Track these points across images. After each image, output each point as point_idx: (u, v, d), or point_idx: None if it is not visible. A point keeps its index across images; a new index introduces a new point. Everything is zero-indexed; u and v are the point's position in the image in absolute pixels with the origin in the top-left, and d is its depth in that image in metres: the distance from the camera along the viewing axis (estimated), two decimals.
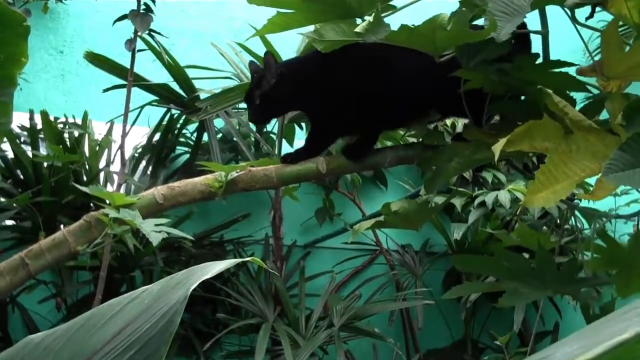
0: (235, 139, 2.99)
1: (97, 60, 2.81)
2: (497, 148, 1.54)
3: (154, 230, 1.71)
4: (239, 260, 0.94)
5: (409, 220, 2.01)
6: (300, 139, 3.11)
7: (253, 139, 3.21)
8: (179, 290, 0.82)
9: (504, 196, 2.90)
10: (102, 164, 2.97)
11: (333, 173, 2.05)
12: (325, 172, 1.94)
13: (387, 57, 1.92)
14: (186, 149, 3.23)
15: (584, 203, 2.58)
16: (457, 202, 3.12)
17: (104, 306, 0.91)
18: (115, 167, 2.90)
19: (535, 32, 1.77)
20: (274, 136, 3.21)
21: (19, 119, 2.97)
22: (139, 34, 2.57)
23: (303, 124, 3.08)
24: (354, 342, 3.01)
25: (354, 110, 1.93)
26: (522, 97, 1.85)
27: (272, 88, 1.95)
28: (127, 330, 0.83)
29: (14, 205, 2.70)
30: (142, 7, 2.56)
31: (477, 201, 3.02)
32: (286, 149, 2.97)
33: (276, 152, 3.01)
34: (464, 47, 1.69)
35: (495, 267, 1.97)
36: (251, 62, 2.05)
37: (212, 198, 1.93)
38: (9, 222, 2.85)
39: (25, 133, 2.92)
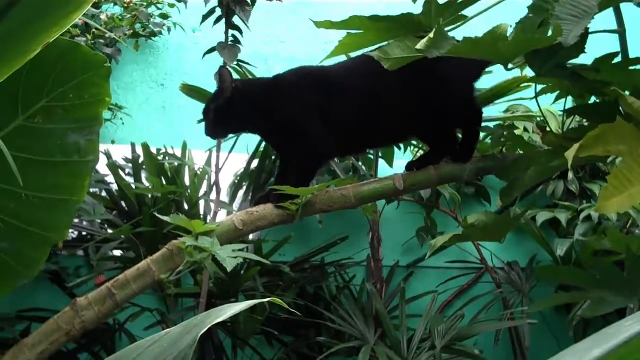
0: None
1: (192, 91, 2.87)
2: (570, 154, 1.47)
3: (230, 256, 1.71)
4: (252, 302, 0.92)
5: (488, 232, 1.94)
6: (399, 158, 3.07)
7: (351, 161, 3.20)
8: (190, 334, 0.81)
9: None
10: (202, 192, 3.03)
11: (410, 189, 2.01)
12: (402, 188, 1.91)
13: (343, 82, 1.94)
14: None
15: None
16: (562, 216, 2.99)
17: (129, 348, 0.91)
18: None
19: (612, 32, 1.68)
20: (372, 156, 3.18)
21: (123, 152, 3.09)
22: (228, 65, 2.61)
23: (401, 145, 3.03)
24: None
25: (310, 132, 1.92)
26: (598, 100, 1.76)
27: (225, 102, 1.93)
28: None
29: (122, 236, 2.80)
30: (230, 38, 2.60)
31: (582, 215, 2.89)
32: (383, 170, 2.95)
33: (373, 173, 2.99)
34: (533, 53, 1.63)
35: (581, 277, 1.87)
36: (221, 67, 2.03)
37: (290, 221, 1.93)
38: (117, 252, 2.95)
39: (130, 165, 3.03)
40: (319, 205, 1.92)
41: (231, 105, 1.94)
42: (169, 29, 3.29)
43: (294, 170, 1.95)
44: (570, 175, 3.16)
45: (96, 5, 3.18)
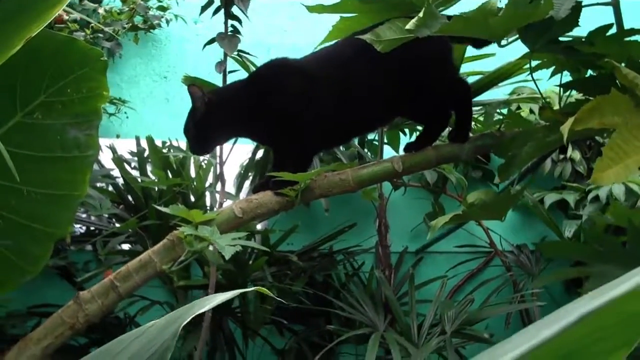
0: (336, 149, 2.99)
1: (194, 83, 2.87)
2: (565, 128, 1.46)
3: (230, 244, 1.71)
4: (239, 291, 0.93)
5: (488, 211, 1.93)
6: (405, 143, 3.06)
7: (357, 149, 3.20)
8: (174, 325, 0.81)
9: (618, 189, 2.74)
10: (208, 184, 3.03)
11: (410, 171, 2.00)
12: (401, 170, 1.91)
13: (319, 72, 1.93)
14: None
15: None
16: (571, 198, 2.98)
17: (116, 341, 0.91)
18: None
19: (605, 4, 1.67)
20: (377, 143, 3.17)
21: (129, 146, 3.10)
22: (229, 55, 2.60)
23: (407, 130, 3.03)
24: (474, 346, 2.91)
25: (298, 127, 1.91)
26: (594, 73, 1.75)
27: (203, 117, 1.92)
28: None
29: (130, 230, 2.81)
30: (230, 29, 2.60)
31: (590, 196, 2.87)
32: (389, 155, 2.94)
33: (379, 159, 2.98)
34: (526, 29, 1.62)
35: (584, 252, 1.86)
36: (189, 85, 2.00)
37: (290, 207, 1.92)
38: (125, 246, 2.97)
39: (136, 159, 3.04)
40: (318, 190, 1.91)
41: (209, 119, 1.92)
42: (167, 21, 3.30)
43: (289, 158, 1.94)
44: (577, 155, 3.15)
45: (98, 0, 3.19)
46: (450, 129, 2.02)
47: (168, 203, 2.79)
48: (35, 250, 1.88)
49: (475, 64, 2.51)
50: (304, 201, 1.93)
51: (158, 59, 3.50)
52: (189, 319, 0.80)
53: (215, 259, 1.88)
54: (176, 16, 3.30)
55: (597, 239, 1.82)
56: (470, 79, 2.37)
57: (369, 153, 3.19)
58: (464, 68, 2.45)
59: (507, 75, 2.48)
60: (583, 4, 1.63)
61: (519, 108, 3.35)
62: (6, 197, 1.80)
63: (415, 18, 1.55)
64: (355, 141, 3.14)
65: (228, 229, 1.88)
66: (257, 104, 1.93)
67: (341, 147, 3.09)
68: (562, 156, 3.21)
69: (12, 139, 1.78)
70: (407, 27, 1.56)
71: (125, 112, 3.27)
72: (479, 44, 1.90)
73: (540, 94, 1.88)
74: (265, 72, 2.02)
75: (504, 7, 1.56)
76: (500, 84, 2.62)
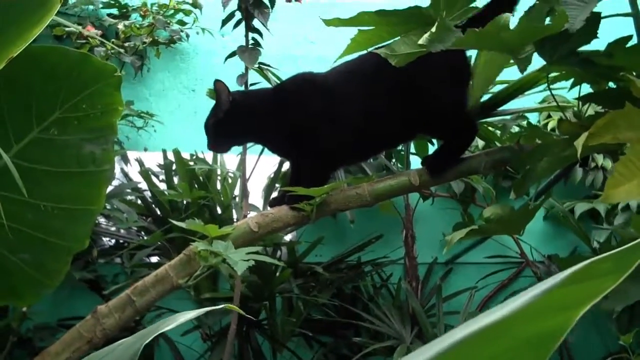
0: None
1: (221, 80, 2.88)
2: (579, 142, 1.44)
3: (243, 259, 1.70)
4: (203, 310, 0.92)
5: (506, 226, 1.90)
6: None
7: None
8: (135, 345, 0.81)
9: None
10: (236, 195, 3.04)
11: (427, 184, 1.97)
12: (418, 184, 1.88)
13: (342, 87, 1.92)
14: None
15: None
16: (601, 207, 2.91)
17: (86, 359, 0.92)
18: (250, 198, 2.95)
19: (625, 15, 1.62)
20: (403, 152, 3.15)
21: (157, 159, 3.12)
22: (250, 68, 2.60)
23: (434, 140, 2.99)
24: None
25: (319, 138, 1.90)
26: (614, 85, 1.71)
27: (225, 115, 1.91)
28: None
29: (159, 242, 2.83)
30: (251, 42, 2.60)
31: (621, 205, 2.80)
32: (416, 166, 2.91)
33: (406, 169, 2.96)
34: (543, 42, 1.59)
35: None
36: (216, 81, 2.00)
37: (306, 222, 1.92)
38: (154, 259, 2.99)
39: (163, 171, 3.06)
40: (334, 205, 1.90)
41: (230, 119, 1.92)
42: (187, 36, 3.32)
43: (306, 172, 1.93)
44: (609, 164, 3.08)
45: (125, 16, 3.23)
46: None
47: (194, 215, 2.81)
48: (53, 264, 1.90)
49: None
50: (320, 216, 1.91)
51: (186, 72, 3.52)
52: (151, 337, 0.79)
53: (230, 273, 1.87)
54: (203, 29, 3.31)
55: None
56: (495, 88, 2.34)
57: (397, 164, 3.17)
58: None
59: (532, 84, 2.44)
60: (602, 15, 1.59)
61: (549, 117, 3.30)
62: (23, 211, 1.82)
63: (428, 32, 1.53)
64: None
65: (244, 243, 1.88)
66: (278, 115, 1.93)
67: (370, 160, 3.07)
68: (593, 165, 3.15)
69: (29, 154, 1.81)
70: (420, 41, 1.54)
71: (153, 126, 3.29)
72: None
73: (558, 105, 1.84)
74: (290, 86, 2.02)
75: (519, 20, 1.54)
76: (527, 93, 2.58)
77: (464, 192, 3.16)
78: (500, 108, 2.25)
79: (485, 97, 2.26)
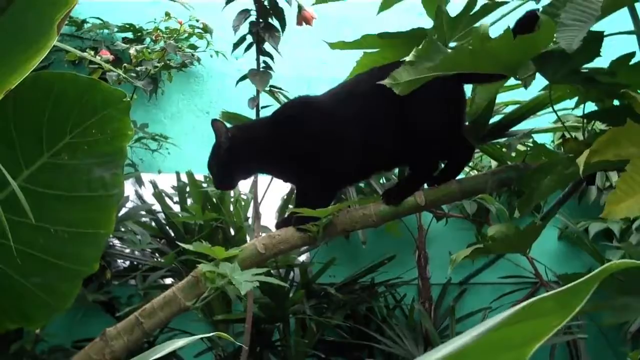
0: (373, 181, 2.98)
1: (232, 118, 2.90)
2: (581, 160, 1.44)
3: (248, 281, 1.71)
4: (193, 338, 0.93)
5: (511, 244, 1.89)
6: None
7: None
8: None
9: None
10: (250, 217, 3.05)
11: (433, 204, 1.98)
12: (424, 204, 1.89)
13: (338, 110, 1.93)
14: None
15: None
16: (616, 226, 2.89)
17: None
18: (263, 220, 2.97)
19: (628, 33, 1.63)
20: None
21: (171, 180, 3.15)
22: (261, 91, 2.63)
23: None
24: None
25: (319, 162, 1.92)
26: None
27: (227, 152, 1.93)
28: None
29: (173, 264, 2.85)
30: (262, 65, 2.62)
31: (636, 224, 2.79)
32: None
33: None
34: (544, 61, 1.59)
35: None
36: (214, 120, 2.01)
37: (313, 243, 1.93)
38: (169, 280, 3.01)
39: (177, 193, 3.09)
40: (341, 225, 1.91)
41: (232, 154, 1.94)
42: (199, 60, 3.36)
43: (310, 194, 1.95)
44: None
45: (140, 40, 3.27)
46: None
47: (207, 237, 2.83)
48: (63, 287, 1.93)
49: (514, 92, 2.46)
50: (327, 236, 1.92)
51: (200, 95, 3.56)
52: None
53: (235, 293, 1.89)
54: (217, 52, 3.35)
55: (621, 270, 1.75)
56: (507, 109, 2.35)
57: None
58: (501, 98, 2.40)
59: (545, 104, 2.44)
60: (605, 33, 1.59)
61: (563, 137, 3.29)
62: (35, 235, 1.84)
63: (415, 49, 1.54)
64: (396, 171, 3.11)
65: (251, 264, 1.89)
66: (278, 141, 1.94)
67: (383, 179, 3.08)
68: (607, 184, 3.13)
69: (39, 179, 1.84)
70: (408, 58, 1.54)
71: (167, 148, 3.32)
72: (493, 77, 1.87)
73: (563, 124, 1.84)
74: (287, 110, 2.04)
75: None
76: (540, 113, 2.58)
77: (478, 213, 3.15)
78: (513, 129, 2.25)
79: (497, 118, 2.26)
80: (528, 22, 1.65)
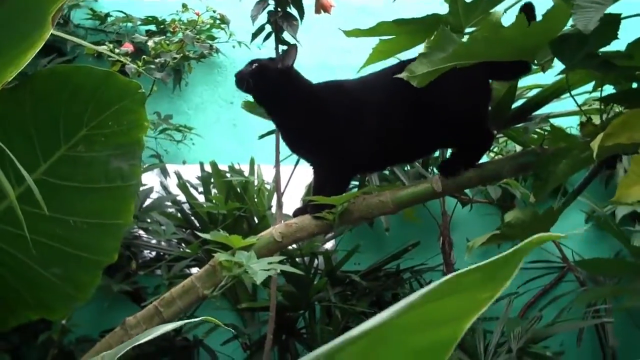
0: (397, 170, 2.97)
1: (254, 108, 2.90)
2: (595, 144, 1.42)
3: (263, 269, 1.72)
4: (179, 323, 0.93)
5: (529, 230, 1.86)
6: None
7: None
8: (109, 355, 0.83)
9: None
10: (274, 205, 3.06)
11: (451, 191, 1.97)
12: (440, 190, 1.88)
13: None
14: (356, 182, 3.23)
15: None
16: None
17: None
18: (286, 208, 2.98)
19: None
20: None
21: (196, 171, 3.17)
22: None
23: None
24: None
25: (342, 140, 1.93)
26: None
27: (275, 70, 1.97)
28: None
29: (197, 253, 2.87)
30: (281, 54, 2.62)
31: None
32: None
33: None
34: (560, 45, 1.57)
35: (622, 268, 1.78)
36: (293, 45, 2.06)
37: (330, 231, 1.94)
38: (195, 270, 3.03)
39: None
40: (357, 213, 1.91)
41: (271, 78, 1.96)
42: (217, 50, 3.37)
43: (327, 181, 1.95)
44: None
45: (163, 32, 3.29)
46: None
47: (231, 226, 2.86)
48: (83, 278, 1.96)
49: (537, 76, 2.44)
50: (344, 224, 1.93)
51: (224, 85, 3.57)
52: (124, 351, 0.81)
53: (251, 282, 1.90)
54: (240, 42, 3.35)
55: (638, 253, 1.74)
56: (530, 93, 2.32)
57: (434, 171, 3.15)
58: (523, 82, 2.37)
59: (566, 88, 2.41)
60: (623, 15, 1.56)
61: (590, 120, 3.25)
62: (53, 227, 1.87)
63: (427, 40, 1.53)
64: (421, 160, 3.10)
65: (268, 253, 1.90)
66: (306, 113, 1.96)
67: (407, 166, 3.06)
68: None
69: (57, 171, 1.87)
70: (421, 50, 1.54)
71: (191, 139, 3.34)
72: (517, 70, 1.86)
73: (580, 108, 1.81)
74: (321, 90, 2.02)
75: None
76: (561, 96, 2.54)
77: (503, 198, 3.12)
78: (536, 112, 2.23)
79: (520, 102, 2.24)
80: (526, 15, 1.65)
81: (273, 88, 1.96)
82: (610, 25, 1.53)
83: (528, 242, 0.54)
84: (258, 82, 1.95)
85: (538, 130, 2.28)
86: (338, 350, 0.48)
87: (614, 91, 1.81)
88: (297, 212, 1.96)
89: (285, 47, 2.58)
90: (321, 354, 0.48)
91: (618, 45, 1.59)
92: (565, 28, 1.56)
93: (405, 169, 3.04)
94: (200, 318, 0.99)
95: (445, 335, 0.48)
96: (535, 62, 1.77)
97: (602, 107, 1.76)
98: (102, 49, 2.23)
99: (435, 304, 0.48)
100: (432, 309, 0.48)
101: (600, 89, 1.77)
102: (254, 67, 1.98)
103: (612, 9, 1.47)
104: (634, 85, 1.74)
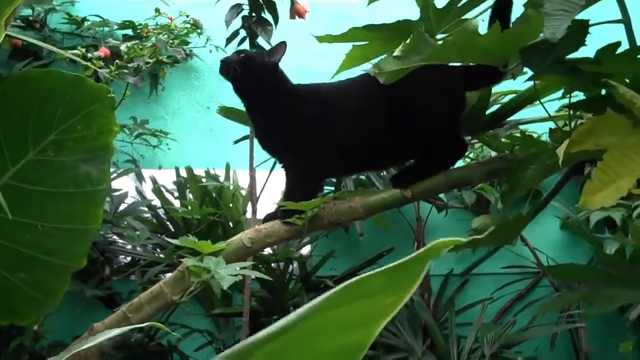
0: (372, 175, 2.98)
1: (229, 113, 2.90)
2: (561, 150, 1.42)
3: (231, 274, 1.72)
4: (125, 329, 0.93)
5: (496, 236, 1.86)
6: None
7: None
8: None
9: None
10: (249, 211, 3.06)
11: (420, 196, 1.96)
12: (410, 196, 1.87)
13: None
14: (331, 188, 3.23)
15: None
16: (617, 215, 2.86)
17: None
18: (261, 214, 2.97)
19: (615, 22, 1.61)
20: None
21: (172, 176, 3.17)
22: None
23: None
24: None
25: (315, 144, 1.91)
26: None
27: (263, 64, 1.94)
28: None
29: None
30: None
31: (636, 212, 2.76)
32: None
33: None
34: (529, 51, 1.57)
35: (592, 275, 1.79)
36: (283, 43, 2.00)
37: (299, 236, 1.93)
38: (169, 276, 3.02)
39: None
40: (327, 218, 1.90)
41: (261, 69, 1.93)
42: (188, 55, 3.38)
43: (297, 184, 1.94)
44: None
45: (139, 37, 3.28)
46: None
47: (206, 232, 2.85)
48: (52, 283, 1.94)
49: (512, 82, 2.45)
50: (314, 229, 1.92)
51: (201, 90, 3.56)
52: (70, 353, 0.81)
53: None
54: (217, 47, 3.35)
55: (608, 261, 1.75)
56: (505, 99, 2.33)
57: None
58: (498, 87, 2.38)
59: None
60: (591, 22, 1.57)
61: (563, 126, 3.26)
62: (21, 231, 1.86)
63: (402, 44, 1.53)
64: None
65: (237, 258, 1.89)
66: (284, 109, 1.95)
67: (383, 172, 3.06)
68: None
69: (26, 176, 1.86)
70: (395, 53, 1.54)
71: (167, 144, 3.34)
72: (493, 77, 1.86)
73: (549, 115, 1.82)
74: (300, 90, 2.02)
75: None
76: (536, 102, 2.55)
77: (478, 203, 3.14)
78: (510, 118, 2.23)
79: (494, 108, 2.25)
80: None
81: (257, 80, 1.95)
82: (579, 31, 1.53)
83: (431, 248, 0.54)
84: (244, 71, 1.94)
85: (511, 136, 2.29)
86: (257, 346, 0.48)
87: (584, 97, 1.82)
88: (268, 218, 1.96)
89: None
90: (241, 350, 0.48)
91: (588, 52, 1.61)
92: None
93: (382, 174, 3.04)
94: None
95: (354, 340, 0.49)
96: (507, 68, 1.77)
97: (571, 113, 1.77)
98: (72, 54, 2.22)
99: (339, 309, 0.48)
100: (336, 313, 0.48)
101: (569, 95, 1.78)
102: (241, 56, 1.97)
103: (580, 16, 1.48)
104: (603, 91, 1.75)
